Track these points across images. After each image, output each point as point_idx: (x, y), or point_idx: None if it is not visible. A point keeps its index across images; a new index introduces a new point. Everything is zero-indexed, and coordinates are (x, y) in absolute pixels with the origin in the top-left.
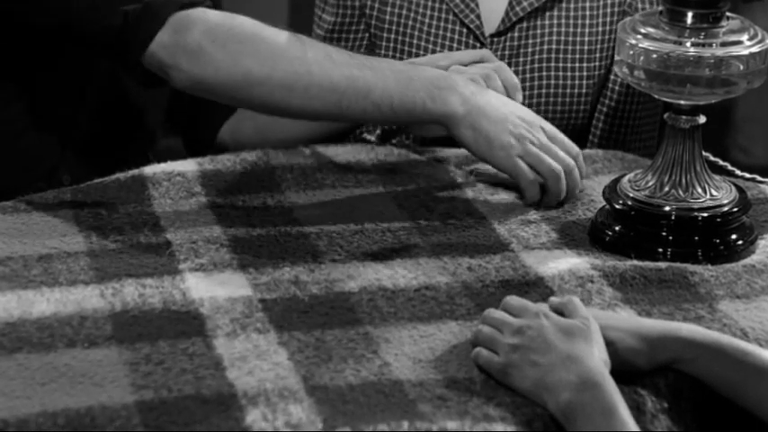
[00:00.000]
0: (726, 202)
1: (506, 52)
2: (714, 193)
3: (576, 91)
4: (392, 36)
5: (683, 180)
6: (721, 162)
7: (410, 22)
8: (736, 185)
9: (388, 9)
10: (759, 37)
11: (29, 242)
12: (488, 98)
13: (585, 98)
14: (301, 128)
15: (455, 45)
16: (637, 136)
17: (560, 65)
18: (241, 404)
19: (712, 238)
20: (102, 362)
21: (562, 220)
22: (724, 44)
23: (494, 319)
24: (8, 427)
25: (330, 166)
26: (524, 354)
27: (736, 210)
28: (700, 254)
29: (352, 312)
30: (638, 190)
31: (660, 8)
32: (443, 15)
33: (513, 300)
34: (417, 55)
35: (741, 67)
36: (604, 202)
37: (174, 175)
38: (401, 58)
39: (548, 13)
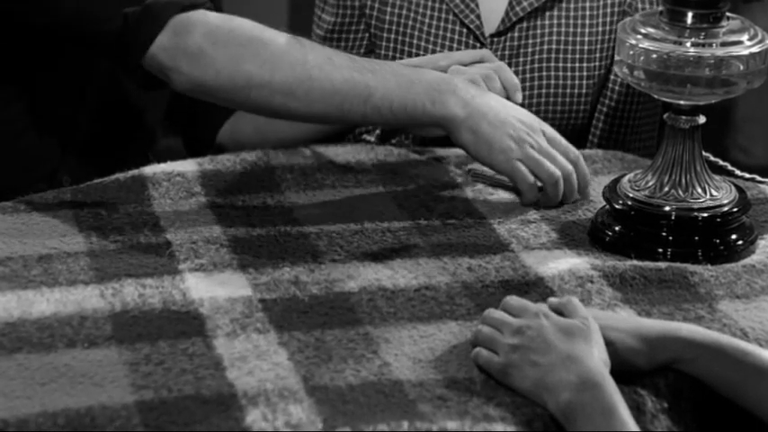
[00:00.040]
0: (726, 202)
1: (506, 52)
2: (714, 193)
3: (576, 91)
4: (392, 36)
5: (683, 180)
6: (721, 162)
7: (410, 23)
8: (736, 185)
9: (388, 9)
10: (759, 37)
11: (29, 242)
12: (489, 101)
13: (585, 98)
14: (301, 128)
15: (455, 45)
16: (637, 136)
17: (560, 65)
18: (241, 404)
19: (712, 239)
20: (102, 362)
21: (562, 220)
22: (724, 44)
23: (494, 319)
24: (8, 427)
25: (330, 166)
26: (524, 354)
27: (735, 210)
28: (700, 254)
29: (352, 312)
30: (637, 190)
31: (660, 8)
32: (443, 15)
33: (513, 300)
34: (417, 55)
35: (741, 68)
36: (604, 202)
37: (174, 175)
38: (401, 58)
39: (548, 13)
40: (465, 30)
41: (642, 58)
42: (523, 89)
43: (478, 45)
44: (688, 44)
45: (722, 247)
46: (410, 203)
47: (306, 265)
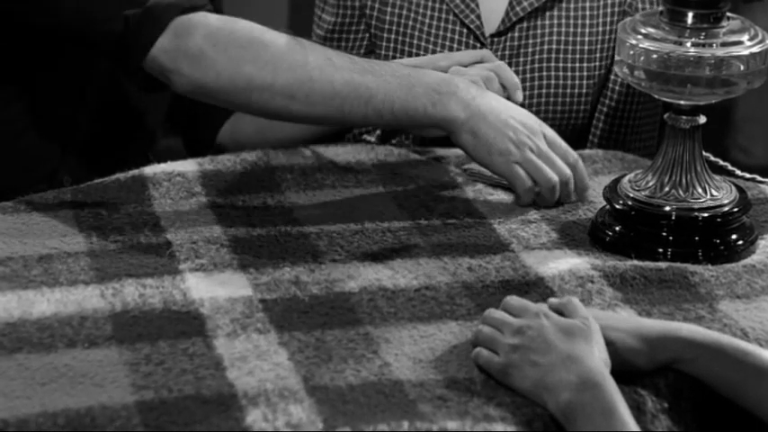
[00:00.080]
0: (726, 202)
1: (506, 52)
2: (714, 193)
3: (576, 91)
4: (392, 36)
5: (684, 180)
6: (721, 162)
7: (410, 23)
8: (736, 185)
9: (389, 9)
10: (759, 37)
11: (29, 242)
12: (490, 102)
13: (585, 98)
14: (301, 128)
15: (455, 45)
16: (637, 136)
17: (560, 65)
18: (241, 404)
19: (712, 239)
20: (102, 362)
21: (562, 220)
22: (724, 44)
23: (494, 319)
24: (8, 427)
25: (330, 166)
26: (524, 354)
27: (736, 210)
28: (700, 254)
29: (352, 312)
30: (638, 190)
31: (660, 8)
32: (443, 16)
33: (514, 300)
34: (417, 55)
35: (741, 68)
36: (604, 203)
37: (175, 175)
38: (401, 58)
39: (548, 13)
40: (465, 30)
41: (642, 58)
42: (523, 89)
43: (479, 45)
44: (688, 44)
45: (722, 248)
46: (410, 203)
47: (306, 265)
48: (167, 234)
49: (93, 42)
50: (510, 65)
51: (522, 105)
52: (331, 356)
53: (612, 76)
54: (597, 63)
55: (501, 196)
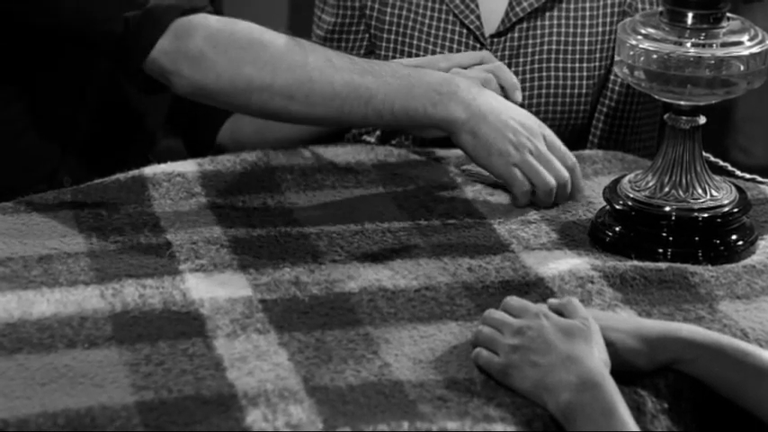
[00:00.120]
0: (726, 202)
1: (506, 53)
2: (714, 193)
3: (576, 91)
4: (392, 37)
5: (684, 180)
6: (721, 162)
7: (410, 23)
8: (736, 186)
9: (388, 10)
10: (759, 38)
11: (29, 243)
12: (490, 102)
13: (585, 98)
14: (301, 128)
15: (455, 46)
16: (637, 136)
17: (560, 65)
18: (241, 405)
19: (712, 239)
20: (102, 362)
21: (562, 220)
22: (724, 45)
23: (494, 319)
24: (8, 427)
25: (330, 166)
26: (524, 354)
27: (736, 210)
28: (700, 254)
29: (352, 313)
30: (638, 190)
31: (660, 9)
32: (443, 16)
33: (514, 300)
34: (417, 56)
35: (741, 68)
36: (604, 203)
37: (174, 175)
38: (401, 59)
39: (548, 14)
40: (465, 30)
41: (642, 58)
42: (523, 89)
43: (478, 46)
44: (688, 45)
45: (722, 248)
46: (410, 204)
47: (306, 266)
48: (167, 234)
49: (94, 43)
50: (510, 65)
51: (522, 105)
52: (331, 357)
53: (612, 77)
54: (597, 63)
55: (501, 197)
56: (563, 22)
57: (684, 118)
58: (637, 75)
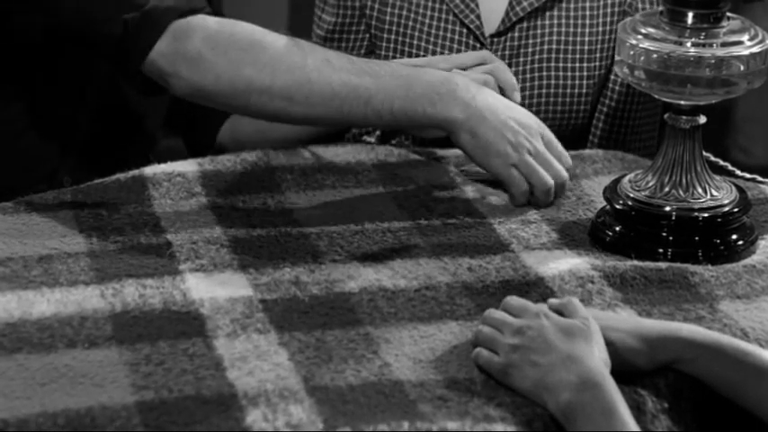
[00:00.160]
0: (726, 202)
1: (506, 52)
2: (714, 193)
3: (576, 91)
4: (392, 37)
5: (684, 180)
6: (721, 162)
7: (410, 23)
8: (736, 186)
9: (389, 10)
10: (759, 37)
11: (29, 243)
12: (489, 102)
13: (585, 98)
14: (301, 127)
15: (455, 45)
16: (637, 136)
17: (560, 65)
18: (241, 404)
19: (713, 239)
20: (102, 362)
21: (562, 220)
22: (724, 44)
23: (494, 319)
24: (8, 427)
25: (330, 166)
26: (524, 354)
27: (736, 210)
28: (700, 254)
29: (352, 313)
30: (638, 190)
31: (660, 8)
32: (443, 16)
33: (514, 300)
34: (417, 56)
35: (741, 68)
36: (604, 203)
37: (175, 175)
38: (401, 59)
39: (548, 13)
40: (465, 30)
41: (642, 58)
42: (523, 89)
43: (478, 45)
44: (688, 44)
45: (723, 248)
46: (410, 203)
47: (306, 266)
48: (167, 234)
49: (93, 44)
50: (510, 65)
51: (522, 105)
52: (331, 357)
53: (612, 76)
54: (597, 63)
55: (501, 196)
56: (563, 21)
57: (684, 118)
58: (637, 74)
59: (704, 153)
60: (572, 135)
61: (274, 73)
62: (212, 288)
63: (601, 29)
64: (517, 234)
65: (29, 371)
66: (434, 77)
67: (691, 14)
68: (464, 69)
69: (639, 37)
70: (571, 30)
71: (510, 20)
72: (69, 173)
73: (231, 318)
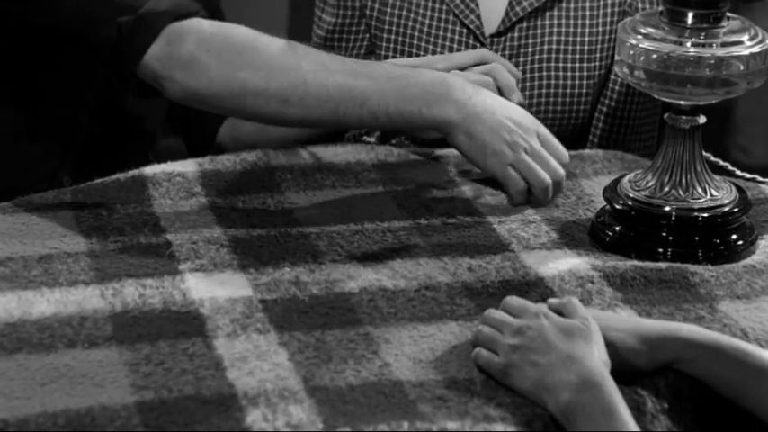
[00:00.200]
0: (726, 202)
1: (506, 52)
2: (714, 193)
3: (576, 91)
4: (392, 37)
5: (684, 180)
6: (721, 162)
7: (410, 23)
8: (736, 186)
9: (389, 10)
10: (759, 37)
11: (29, 243)
12: (485, 101)
13: (585, 98)
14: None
15: (455, 45)
16: (637, 136)
17: (560, 65)
18: (241, 404)
19: (712, 239)
20: (102, 362)
21: (562, 220)
22: (724, 44)
23: (494, 319)
24: (8, 427)
25: (330, 166)
26: (524, 354)
27: (736, 210)
28: (700, 254)
29: (352, 313)
30: (638, 190)
31: (660, 8)
32: (443, 16)
33: (513, 300)
34: (417, 56)
35: (741, 68)
36: (604, 203)
37: (174, 175)
38: (401, 59)
39: (548, 13)
40: (465, 30)
41: (642, 58)
42: (523, 89)
43: (478, 45)
44: (688, 44)
45: (722, 248)
46: (410, 203)
47: (306, 266)
48: (167, 234)
49: (92, 44)
50: None
51: (522, 105)
52: (331, 357)
53: (612, 76)
54: (597, 63)
55: (501, 196)
56: (563, 21)
57: (684, 118)
58: (637, 74)
59: (704, 153)
60: (572, 135)
61: (269, 75)
62: (212, 288)
63: (601, 29)
64: (517, 234)
65: (29, 371)
66: (430, 78)
67: (691, 14)
68: (463, 69)
69: (639, 37)
70: (571, 30)
71: (510, 20)
72: (69, 173)
73: (231, 318)
